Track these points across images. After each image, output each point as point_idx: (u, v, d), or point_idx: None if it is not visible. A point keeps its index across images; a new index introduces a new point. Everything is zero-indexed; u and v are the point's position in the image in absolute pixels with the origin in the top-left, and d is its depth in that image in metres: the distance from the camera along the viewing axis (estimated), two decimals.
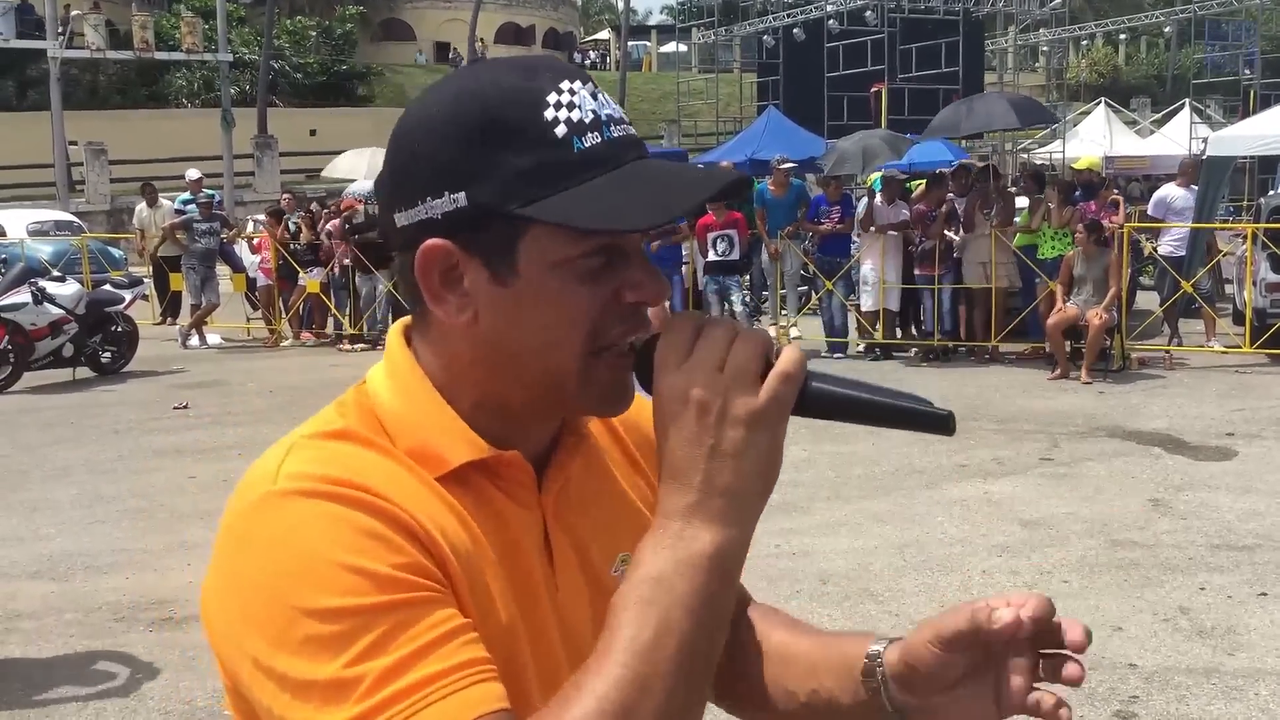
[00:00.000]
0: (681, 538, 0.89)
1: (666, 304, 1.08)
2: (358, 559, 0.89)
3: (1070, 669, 1.00)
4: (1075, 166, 13.64)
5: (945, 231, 12.39)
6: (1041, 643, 1.01)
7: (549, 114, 0.96)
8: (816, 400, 0.95)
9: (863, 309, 12.75)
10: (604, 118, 0.98)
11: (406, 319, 1.09)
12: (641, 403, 1.04)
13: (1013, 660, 1.00)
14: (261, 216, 16.50)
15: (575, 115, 0.96)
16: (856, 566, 6.00)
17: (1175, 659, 4.79)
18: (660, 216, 0.95)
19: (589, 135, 0.97)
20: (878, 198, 12.54)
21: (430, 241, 0.98)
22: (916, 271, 12.54)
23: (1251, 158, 14.34)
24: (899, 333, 12.99)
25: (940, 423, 0.96)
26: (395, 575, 0.89)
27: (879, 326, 12.68)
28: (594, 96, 0.99)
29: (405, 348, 1.06)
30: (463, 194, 0.96)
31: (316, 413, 1.07)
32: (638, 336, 1.00)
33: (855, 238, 13.01)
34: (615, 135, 0.98)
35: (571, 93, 0.97)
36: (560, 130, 0.96)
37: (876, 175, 13.91)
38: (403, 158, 1.00)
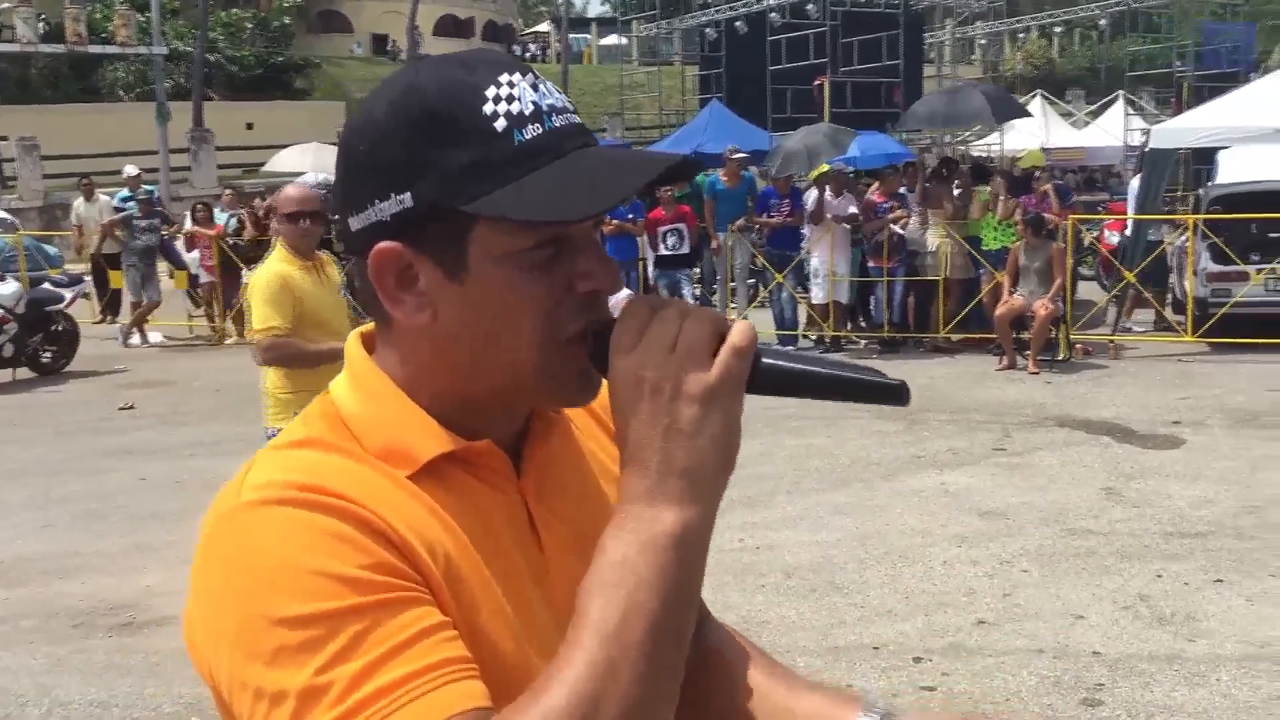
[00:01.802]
0: (643, 520, 0.89)
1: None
2: (324, 563, 0.88)
3: None
4: (1020, 161, 13.81)
5: (893, 226, 12.52)
6: None
7: (488, 108, 0.96)
8: (769, 376, 0.95)
9: (814, 301, 12.85)
10: (545, 108, 0.98)
11: (363, 327, 1.09)
12: None
13: None
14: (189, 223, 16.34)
15: (515, 107, 0.96)
16: (820, 559, 6.04)
17: (1137, 646, 4.88)
18: (601, 204, 0.94)
19: (529, 127, 0.96)
20: (827, 191, 12.63)
21: (382, 244, 0.98)
22: (871, 264, 12.66)
23: (1188, 149, 14.59)
24: (849, 325, 13.10)
25: (894, 393, 0.95)
26: (363, 577, 0.88)
27: (830, 318, 12.78)
28: (534, 87, 0.98)
29: (365, 354, 1.06)
30: (408, 194, 0.96)
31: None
32: (595, 325, 1.00)
33: (804, 231, 13.09)
34: (557, 125, 0.98)
35: (510, 85, 0.97)
36: (500, 124, 0.96)
37: (823, 169, 14.00)
38: (349, 162, 1.01)
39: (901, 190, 12.91)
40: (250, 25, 44.57)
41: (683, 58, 37.74)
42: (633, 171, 0.98)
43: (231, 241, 15.37)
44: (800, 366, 0.97)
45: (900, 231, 12.58)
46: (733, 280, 14.14)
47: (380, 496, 0.95)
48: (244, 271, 15.30)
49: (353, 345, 1.08)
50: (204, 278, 15.76)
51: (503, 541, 1.02)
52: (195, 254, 15.98)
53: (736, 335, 0.92)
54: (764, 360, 0.95)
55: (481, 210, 0.95)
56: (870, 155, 16.05)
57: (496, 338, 0.98)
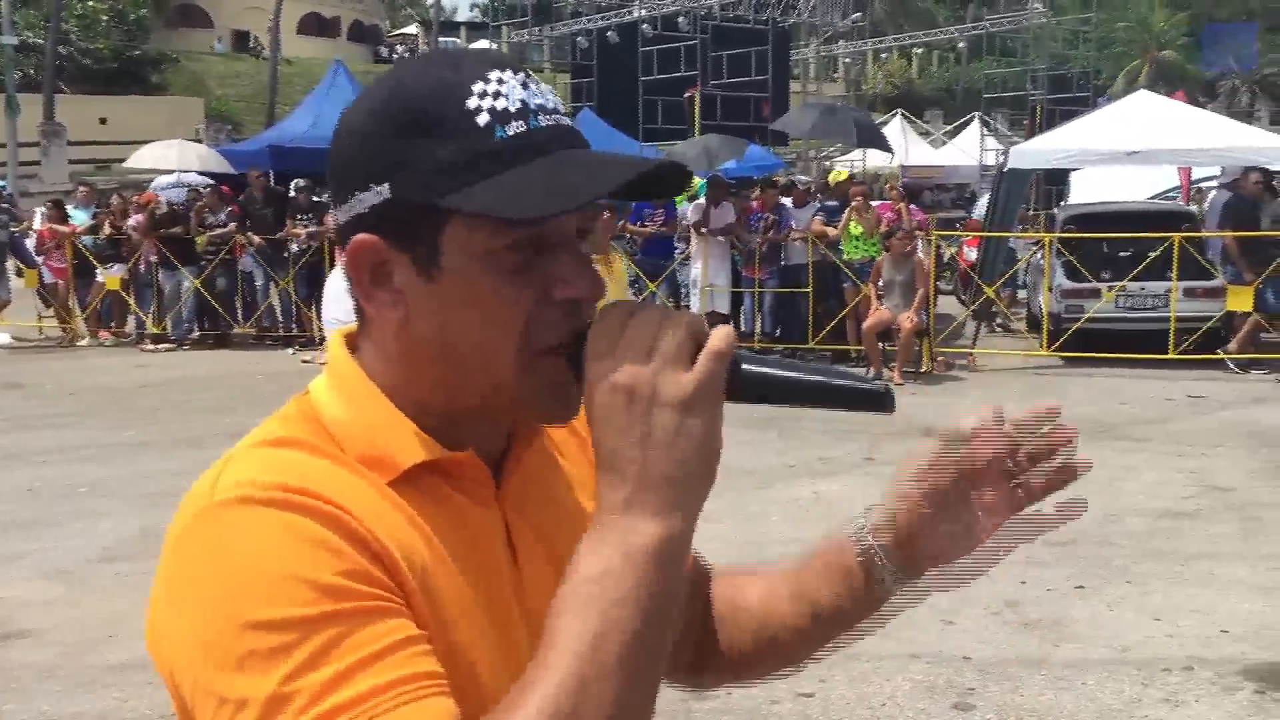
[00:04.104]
0: (621, 531, 0.86)
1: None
2: (301, 568, 0.85)
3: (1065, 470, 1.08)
4: (830, 180, 14.21)
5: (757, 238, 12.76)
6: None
7: (472, 102, 0.93)
8: (750, 381, 0.92)
9: (693, 311, 12.95)
10: (533, 106, 0.95)
11: (348, 327, 1.06)
12: None
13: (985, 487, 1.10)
14: (42, 210, 15.75)
15: (500, 104, 0.94)
16: None
17: (1006, 651, 5.03)
18: (574, 200, 0.92)
19: (513, 124, 0.94)
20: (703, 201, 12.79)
21: (358, 237, 0.95)
22: (744, 273, 12.86)
23: (1040, 170, 15.19)
24: None
25: (877, 399, 0.93)
26: (340, 584, 0.85)
27: None
28: (524, 85, 0.96)
29: (348, 354, 1.02)
30: (386, 185, 0.94)
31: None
32: (576, 331, 0.97)
33: (677, 242, 13.22)
34: (543, 124, 0.95)
35: (500, 81, 0.95)
36: (483, 118, 0.93)
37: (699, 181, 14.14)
38: (336, 154, 0.98)
39: (785, 202, 13.15)
40: (105, 17, 43.13)
41: (554, 66, 37.72)
42: (611, 171, 0.95)
43: (90, 240, 14.85)
44: (781, 373, 0.94)
45: (755, 242, 12.79)
46: None
47: (361, 502, 0.92)
48: (98, 271, 14.82)
49: (335, 345, 1.04)
50: (48, 278, 15.17)
51: (481, 555, 0.99)
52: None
53: (716, 339, 0.89)
54: (744, 366, 0.92)
55: (458, 204, 0.92)
56: (744, 165, 16.29)
57: (471, 342, 0.95)
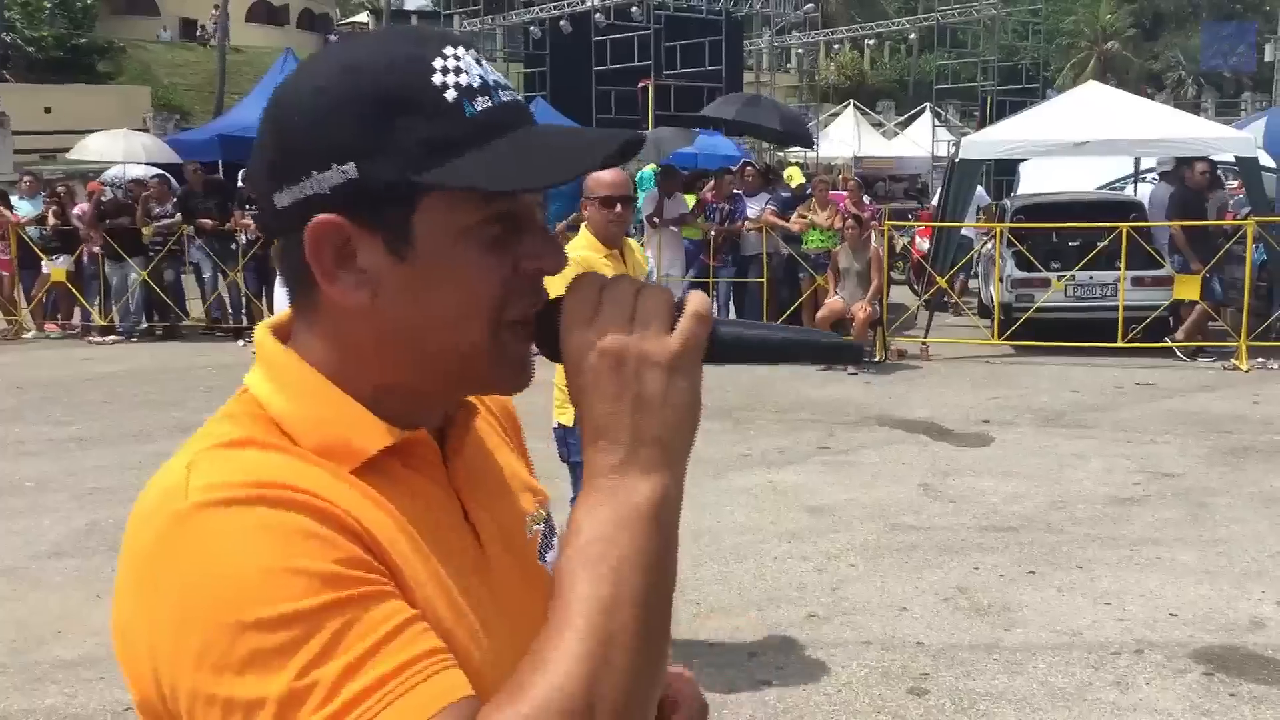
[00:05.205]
0: (617, 492, 0.88)
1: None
2: (293, 560, 0.84)
3: None
4: (786, 177, 14.28)
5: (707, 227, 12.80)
6: None
7: (437, 79, 0.93)
8: (727, 342, 0.95)
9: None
10: (491, 82, 0.96)
11: (269, 319, 1.04)
12: None
13: None
14: None
15: (464, 80, 0.94)
16: None
17: (959, 636, 5.07)
18: (563, 174, 0.92)
19: (479, 99, 0.94)
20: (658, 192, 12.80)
21: (321, 217, 0.93)
22: (701, 258, 12.90)
23: (990, 160, 15.30)
24: None
25: (849, 350, 1.01)
26: (335, 572, 0.85)
27: None
28: (479, 62, 0.96)
29: (281, 345, 1.01)
30: (352, 165, 0.92)
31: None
32: (539, 306, 0.98)
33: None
34: (505, 100, 0.96)
35: (457, 58, 0.95)
36: (450, 95, 0.93)
37: (648, 168, 14.15)
38: (282, 132, 0.95)
39: (737, 192, 13.18)
40: (50, 5, 42.43)
41: (506, 55, 37.53)
42: (589, 145, 0.96)
43: (38, 231, 14.60)
44: (755, 333, 0.97)
45: (710, 230, 12.81)
46: None
47: (333, 491, 0.91)
48: (44, 262, 14.59)
49: (263, 336, 1.02)
50: None
51: (445, 534, 0.99)
52: None
53: (695, 303, 0.91)
54: (720, 328, 0.94)
55: (439, 180, 0.91)
56: (710, 158, 16.33)
57: (444, 319, 0.95)
